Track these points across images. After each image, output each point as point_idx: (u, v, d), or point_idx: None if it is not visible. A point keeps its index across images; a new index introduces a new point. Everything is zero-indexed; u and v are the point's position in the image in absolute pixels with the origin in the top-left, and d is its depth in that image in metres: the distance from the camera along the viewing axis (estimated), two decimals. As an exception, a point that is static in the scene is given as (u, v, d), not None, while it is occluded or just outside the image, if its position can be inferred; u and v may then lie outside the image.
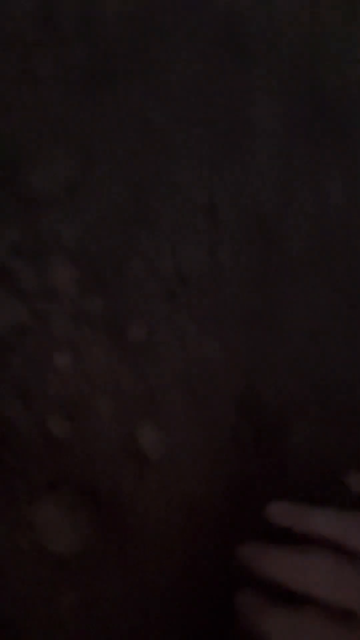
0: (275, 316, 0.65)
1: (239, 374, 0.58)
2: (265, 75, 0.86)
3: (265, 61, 0.86)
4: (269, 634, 0.32)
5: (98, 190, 0.64)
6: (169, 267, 0.62)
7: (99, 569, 0.43)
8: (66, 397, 0.51)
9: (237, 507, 0.49)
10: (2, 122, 0.61)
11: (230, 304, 0.65)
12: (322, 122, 0.88)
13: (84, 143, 0.65)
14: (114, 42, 0.72)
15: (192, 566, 0.45)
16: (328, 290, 0.69)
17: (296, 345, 0.62)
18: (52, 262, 0.58)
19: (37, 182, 0.61)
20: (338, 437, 0.53)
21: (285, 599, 0.35)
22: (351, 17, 0.97)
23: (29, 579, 0.44)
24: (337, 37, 0.94)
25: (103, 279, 0.59)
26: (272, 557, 0.37)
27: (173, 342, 0.56)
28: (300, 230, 0.82)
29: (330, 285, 0.70)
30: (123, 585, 0.43)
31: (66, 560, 0.43)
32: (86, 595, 0.43)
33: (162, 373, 0.53)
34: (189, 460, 0.50)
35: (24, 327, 0.53)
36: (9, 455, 0.47)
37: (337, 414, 0.54)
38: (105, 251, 0.62)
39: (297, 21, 0.92)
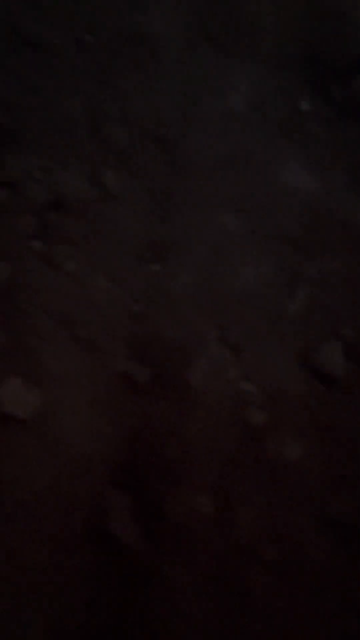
0: (176, 244, 0.59)
1: (131, 313, 0.53)
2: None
3: None
4: None
5: None
6: (41, 194, 0.53)
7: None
8: None
9: (134, 454, 0.45)
10: None
11: (122, 235, 0.58)
12: (225, 29, 0.78)
13: None
14: None
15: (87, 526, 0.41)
16: (232, 212, 0.63)
17: (200, 265, 0.57)
18: None
19: None
20: (241, 370, 0.49)
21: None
22: None
23: None
24: None
25: None
26: None
27: (46, 282, 0.49)
28: (205, 150, 0.75)
29: (234, 206, 0.64)
30: None
31: None
32: None
33: (33, 321, 0.46)
34: (72, 415, 0.45)
35: None
36: None
37: (236, 346, 0.50)
38: None
39: None
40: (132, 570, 0.41)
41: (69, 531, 0.42)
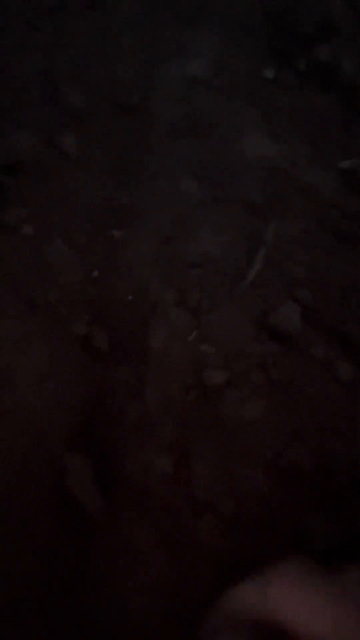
0: (137, 210, 0.59)
1: (91, 279, 0.52)
2: None
3: None
4: None
5: None
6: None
7: None
8: None
9: (93, 417, 0.46)
10: None
11: (81, 200, 0.57)
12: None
13: None
14: None
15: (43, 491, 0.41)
16: (194, 178, 0.63)
17: (160, 231, 0.57)
18: None
19: None
20: (200, 333, 0.50)
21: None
22: None
23: None
24: None
25: None
26: None
27: (2, 246, 0.48)
28: (166, 116, 0.74)
29: (196, 173, 0.64)
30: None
31: None
32: None
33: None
34: (29, 380, 0.45)
35: None
36: None
37: (195, 310, 0.50)
38: None
39: None
40: (91, 528, 0.42)
41: (27, 493, 0.43)
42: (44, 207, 0.54)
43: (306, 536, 0.38)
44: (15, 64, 0.62)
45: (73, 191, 0.58)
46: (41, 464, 0.42)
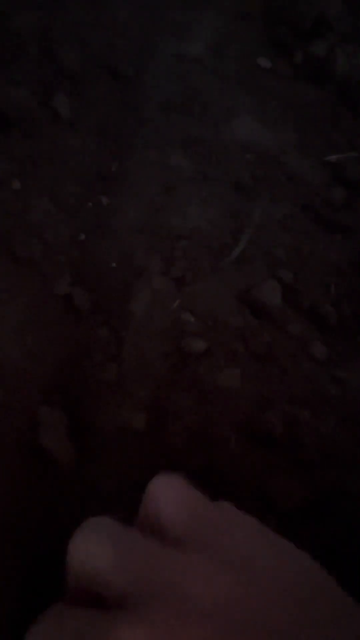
0: (126, 179, 0.61)
1: (76, 240, 0.54)
2: None
3: None
4: None
5: None
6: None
7: None
8: None
9: (70, 376, 0.47)
10: None
11: (70, 162, 0.59)
12: None
13: None
14: None
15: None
16: (184, 154, 0.65)
17: (149, 201, 0.59)
18: None
19: None
20: (182, 302, 0.52)
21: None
22: None
23: None
24: None
25: None
26: None
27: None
28: (160, 90, 0.76)
29: (184, 149, 0.66)
30: None
31: None
32: None
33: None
34: (8, 333, 0.46)
35: None
36: None
37: (179, 280, 0.52)
38: None
39: None
40: (62, 481, 0.43)
41: (0, 445, 0.44)
42: (33, 164, 0.55)
43: (272, 495, 0.40)
44: (14, 19, 0.63)
45: (63, 153, 0.59)
46: (15, 415, 0.44)
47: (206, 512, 0.32)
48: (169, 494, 0.32)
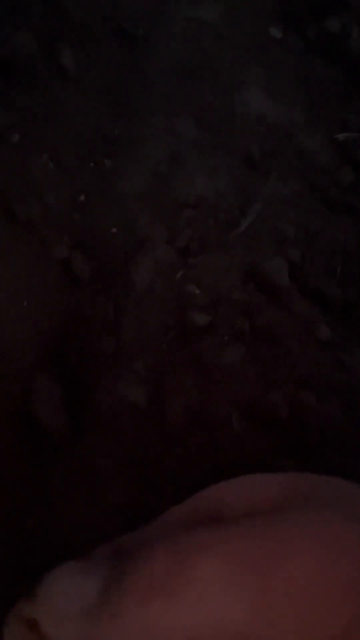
0: (131, 143, 0.58)
1: (76, 203, 0.51)
2: None
3: None
4: None
5: None
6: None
7: None
8: None
9: (67, 345, 0.45)
10: None
11: (73, 120, 0.56)
12: None
13: None
14: None
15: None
16: (192, 121, 0.63)
17: (154, 167, 0.56)
18: None
19: None
20: (187, 273, 0.50)
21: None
22: None
23: None
24: None
25: None
26: None
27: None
28: (169, 53, 0.73)
29: (194, 116, 0.64)
30: None
31: None
32: None
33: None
34: (7, 299, 0.44)
35: None
36: None
37: (184, 250, 0.50)
38: None
39: None
40: (55, 453, 0.41)
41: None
42: (33, 118, 0.52)
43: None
44: None
45: (65, 110, 0.56)
46: (7, 381, 0.41)
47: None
48: None
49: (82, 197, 0.53)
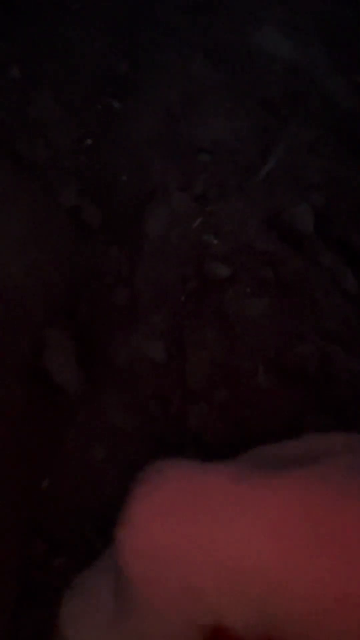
0: (140, 83, 0.55)
1: (84, 147, 0.48)
2: None
3: None
4: None
5: None
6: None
7: None
8: None
9: (78, 297, 0.43)
10: None
11: (78, 58, 0.52)
12: None
13: None
14: None
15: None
16: (204, 60, 0.59)
17: (166, 109, 0.53)
18: None
19: None
20: (205, 222, 0.47)
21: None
22: None
23: None
24: None
25: None
26: None
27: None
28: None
29: (206, 53, 0.60)
30: None
31: None
32: None
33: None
34: (11, 247, 0.41)
35: None
36: None
37: (201, 197, 0.47)
38: None
39: None
40: (69, 411, 0.39)
41: (2, 367, 0.40)
42: (35, 52, 0.48)
43: (304, 432, 0.37)
44: None
45: (69, 44, 0.52)
46: (17, 335, 0.39)
47: None
48: None
49: (89, 141, 0.49)
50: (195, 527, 0.24)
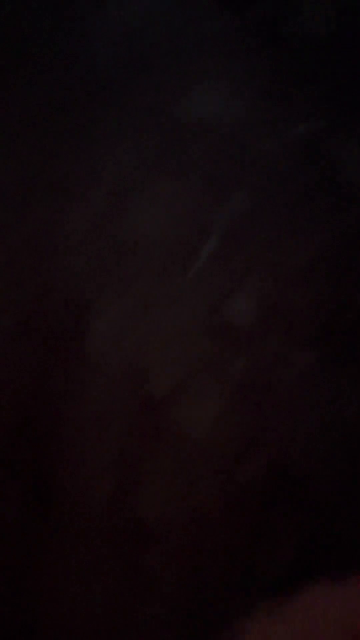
0: (71, 185, 0.54)
1: None
2: None
3: None
4: None
5: None
6: None
7: None
8: None
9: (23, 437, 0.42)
10: None
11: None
12: None
13: None
14: None
15: None
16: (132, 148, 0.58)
17: (95, 213, 0.52)
18: None
19: None
20: (141, 336, 0.46)
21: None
22: None
23: None
24: None
25: None
26: None
27: None
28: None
29: (134, 141, 0.59)
30: None
31: None
32: None
33: None
34: None
35: None
36: None
37: (135, 306, 0.46)
38: None
39: None
40: (16, 546, 0.39)
41: None
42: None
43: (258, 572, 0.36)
44: None
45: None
46: None
47: None
48: None
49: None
50: None
